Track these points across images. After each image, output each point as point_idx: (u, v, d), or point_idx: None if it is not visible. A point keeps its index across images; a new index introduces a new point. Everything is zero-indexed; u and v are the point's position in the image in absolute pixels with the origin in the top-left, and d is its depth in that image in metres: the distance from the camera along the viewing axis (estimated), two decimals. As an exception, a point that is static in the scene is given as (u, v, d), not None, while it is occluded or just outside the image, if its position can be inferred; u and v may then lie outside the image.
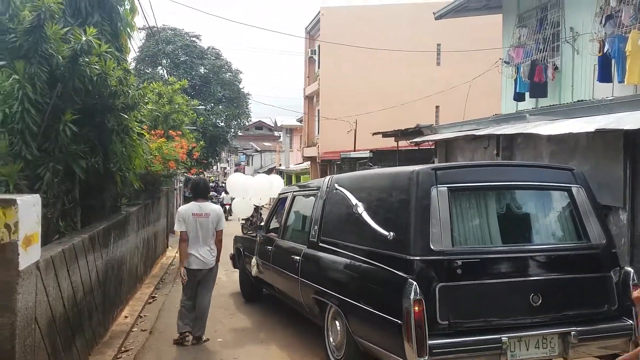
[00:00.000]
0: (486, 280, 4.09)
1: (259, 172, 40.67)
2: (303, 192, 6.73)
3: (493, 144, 9.58)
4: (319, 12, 25.95)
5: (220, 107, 30.14)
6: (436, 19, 13.86)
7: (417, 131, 12.58)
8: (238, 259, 8.59)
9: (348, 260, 4.77)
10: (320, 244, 5.39)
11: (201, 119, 15.37)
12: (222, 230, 6.15)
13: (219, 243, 6.12)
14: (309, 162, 28.83)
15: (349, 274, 4.74)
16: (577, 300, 4.18)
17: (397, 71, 22.69)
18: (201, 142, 13.64)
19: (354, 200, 4.94)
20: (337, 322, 4.91)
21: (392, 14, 23.47)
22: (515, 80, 12.09)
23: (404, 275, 3.94)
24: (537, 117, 8.33)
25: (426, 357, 3.73)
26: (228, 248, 8.31)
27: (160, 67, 28.59)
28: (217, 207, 6.30)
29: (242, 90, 31.70)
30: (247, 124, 37.97)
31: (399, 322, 3.83)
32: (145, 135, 7.49)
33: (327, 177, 6.01)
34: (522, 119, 8.75)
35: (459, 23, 20.93)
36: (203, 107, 23.61)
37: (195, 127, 15.36)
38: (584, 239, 4.44)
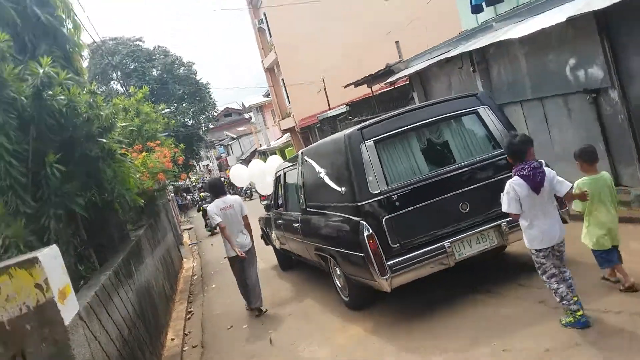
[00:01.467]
0: (421, 204, 5.09)
1: (241, 159, 40.43)
2: (288, 167, 7.63)
3: (467, 62, 9.52)
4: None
5: (184, 104, 29.59)
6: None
7: (388, 71, 12.46)
8: (267, 237, 9.53)
9: (326, 218, 5.82)
10: (308, 209, 6.44)
11: (172, 121, 15.05)
12: (246, 215, 6.96)
13: (248, 227, 6.96)
14: (288, 134, 28.55)
15: (330, 228, 5.73)
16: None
17: (348, 18, 22.25)
18: (181, 145, 13.40)
19: (317, 168, 6.07)
20: (337, 269, 5.94)
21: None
22: (469, -7, 11.91)
23: (356, 218, 5.07)
24: (504, 22, 8.23)
25: (388, 275, 4.83)
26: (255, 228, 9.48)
27: (113, 82, 27.85)
28: (238, 197, 7.10)
29: (200, 81, 31.06)
30: (215, 114, 37.36)
31: (362, 254, 4.93)
32: (128, 155, 7.31)
33: (300, 151, 6.98)
34: (489, 29, 8.65)
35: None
36: (169, 109, 23.14)
37: (168, 133, 15.05)
38: (497, 147, 5.38)
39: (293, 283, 8.19)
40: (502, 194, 4.17)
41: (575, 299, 4.02)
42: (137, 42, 29.53)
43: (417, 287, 5.37)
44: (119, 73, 27.56)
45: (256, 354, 5.60)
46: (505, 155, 4.64)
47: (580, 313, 3.98)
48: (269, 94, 31.35)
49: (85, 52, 8.72)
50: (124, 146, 7.39)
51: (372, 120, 5.61)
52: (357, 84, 15.10)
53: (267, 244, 9.67)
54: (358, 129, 5.39)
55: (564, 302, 4.05)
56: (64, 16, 7.01)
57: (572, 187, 4.22)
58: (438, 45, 10.38)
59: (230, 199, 6.91)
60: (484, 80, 9.15)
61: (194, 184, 28.03)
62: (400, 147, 5.46)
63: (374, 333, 5.23)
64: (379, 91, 15.84)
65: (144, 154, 9.67)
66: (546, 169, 4.11)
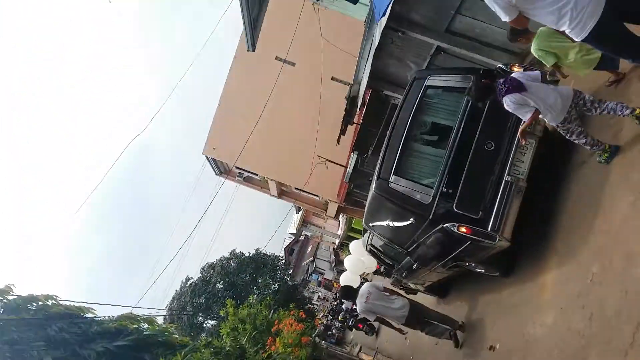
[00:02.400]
0: (464, 174, 5.66)
1: (334, 267, 40.63)
2: (369, 238, 8.79)
3: (392, 33, 9.82)
4: (209, 158, 26.57)
5: (259, 281, 30.26)
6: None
7: (352, 100, 12.86)
8: (409, 290, 10.52)
9: (425, 243, 6.32)
10: (408, 250, 6.99)
11: (267, 299, 15.47)
12: (384, 287, 7.70)
13: (394, 292, 7.69)
14: (342, 214, 28.82)
15: (435, 248, 6.25)
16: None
17: (290, 100, 22.85)
18: (291, 305, 13.74)
19: (383, 223, 6.98)
20: (469, 264, 6.54)
21: (237, 72, 24.11)
22: (338, -5, 12.52)
23: (440, 227, 5.67)
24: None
25: (496, 236, 5.45)
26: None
27: (204, 323, 28.73)
28: (366, 284, 7.90)
29: (251, 255, 31.84)
30: (282, 261, 37.84)
31: (469, 242, 5.57)
32: (271, 353, 7.64)
33: (362, 223, 7.97)
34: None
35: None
36: (255, 295, 23.68)
37: (273, 310, 15.37)
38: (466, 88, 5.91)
39: (459, 299, 8.82)
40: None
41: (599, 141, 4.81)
42: (190, 283, 30.52)
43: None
44: (200, 315, 28.44)
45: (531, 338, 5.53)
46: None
47: (607, 146, 4.70)
48: (299, 208, 32.01)
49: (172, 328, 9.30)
50: (262, 351, 7.70)
51: (379, 162, 6.47)
52: (343, 131, 15.52)
53: (415, 294, 10.46)
54: (377, 179, 6.26)
55: (594, 147, 4.80)
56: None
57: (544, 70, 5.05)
58: (360, 46, 10.79)
59: (364, 289, 7.53)
60: (417, 29, 9.40)
61: (325, 320, 28.05)
62: (412, 158, 6.25)
63: (544, 272, 5.53)
64: (361, 117, 16.17)
65: (277, 339, 9.89)
66: (513, 73, 4.95)
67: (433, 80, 6.36)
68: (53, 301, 6.90)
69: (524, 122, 4.88)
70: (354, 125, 16.04)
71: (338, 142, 16.47)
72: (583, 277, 4.70)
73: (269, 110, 21.15)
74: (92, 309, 7.41)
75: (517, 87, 4.66)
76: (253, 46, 13.34)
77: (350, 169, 20.00)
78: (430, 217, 5.71)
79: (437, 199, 5.67)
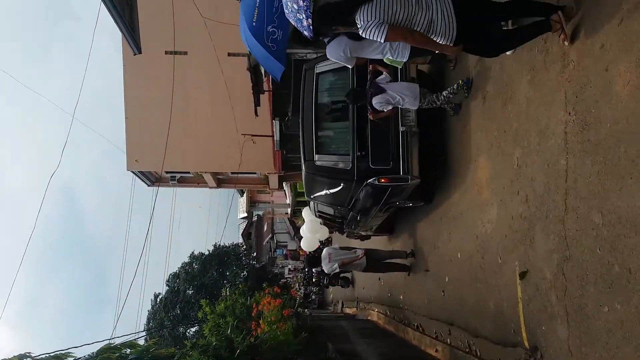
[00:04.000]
0: (368, 134, 6.82)
1: (294, 236, 40.99)
2: (315, 207, 10.23)
3: None
4: (135, 172, 25.72)
5: (227, 273, 30.14)
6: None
7: (255, 69, 12.70)
8: (363, 237, 12.73)
9: (361, 199, 7.44)
10: (349, 208, 8.18)
11: (241, 285, 15.49)
12: (340, 246, 9.55)
13: (349, 249, 9.33)
14: (285, 183, 28.85)
15: (368, 200, 7.42)
16: None
17: (191, 86, 22.15)
18: (265, 284, 13.79)
19: (321, 193, 8.18)
20: (398, 202, 7.80)
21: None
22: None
23: (365, 183, 6.87)
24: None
25: (409, 177, 6.68)
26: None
27: (184, 332, 28.47)
28: (326, 248, 9.31)
29: (210, 252, 31.54)
30: (243, 248, 37.68)
31: (390, 187, 6.88)
32: (258, 335, 7.70)
33: (306, 197, 9.22)
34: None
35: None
36: (227, 287, 23.58)
37: (247, 294, 15.40)
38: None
39: (403, 234, 10.18)
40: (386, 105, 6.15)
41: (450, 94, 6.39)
42: (159, 298, 29.90)
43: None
44: (180, 325, 28.07)
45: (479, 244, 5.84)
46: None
47: (453, 104, 6.39)
48: (243, 191, 31.72)
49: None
50: (248, 336, 7.75)
51: (301, 147, 7.40)
52: (257, 103, 15.36)
53: (369, 238, 12.54)
54: (304, 161, 7.31)
55: (449, 104, 6.45)
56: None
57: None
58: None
59: (324, 253, 8.87)
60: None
61: (300, 290, 28.45)
62: (326, 136, 7.35)
63: (476, 173, 5.73)
64: (269, 83, 16.02)
65: (260, 321, 9.96)
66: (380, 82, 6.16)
67: (320, 67, 7.38)
68: (28, 359, 6.55)
69: (385, 112, 6.20)
70: (266, 93, 15.89)
71: (256, 114, 16.30)
72: (510, 165, 4.99)
73: (178, 106, 20.51)
74: (69, 353, 7.08)
75: (379, 90, 6.03)
76: (138, 48, 12.73)
77: (277, 137, 19.85)
78: (355, 178, 6.81)
79: (355, 162, 6.77)
